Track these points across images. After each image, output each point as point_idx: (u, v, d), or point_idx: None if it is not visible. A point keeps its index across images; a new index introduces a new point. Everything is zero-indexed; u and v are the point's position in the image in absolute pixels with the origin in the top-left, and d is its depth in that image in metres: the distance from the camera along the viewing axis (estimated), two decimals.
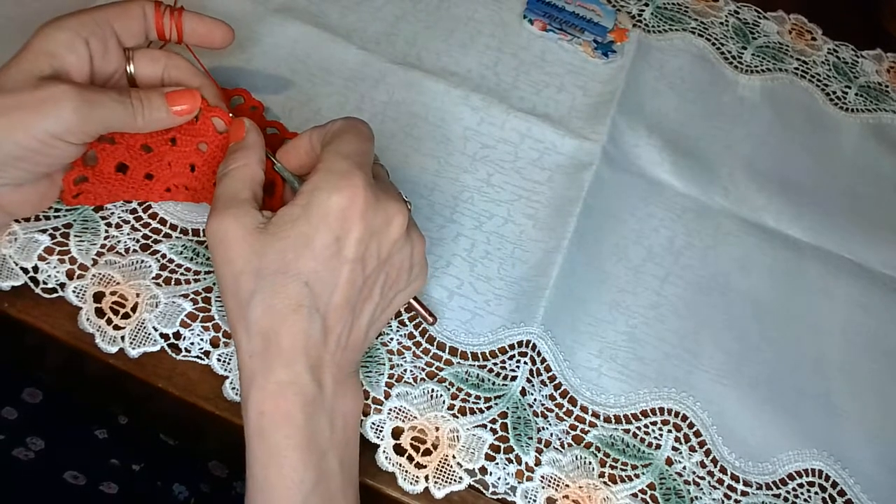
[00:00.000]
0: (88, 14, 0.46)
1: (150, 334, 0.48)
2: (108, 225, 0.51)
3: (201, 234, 0.52)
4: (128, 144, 0.48)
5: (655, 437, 0.51)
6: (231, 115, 0.48)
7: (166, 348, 0.48)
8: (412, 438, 0.48)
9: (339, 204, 0.40)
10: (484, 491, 0.48)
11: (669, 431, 0.51)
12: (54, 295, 0.48)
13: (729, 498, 0.50)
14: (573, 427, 0.50)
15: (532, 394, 0.50)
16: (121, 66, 0.48)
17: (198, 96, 0.47)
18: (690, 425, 0.51)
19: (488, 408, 0.49)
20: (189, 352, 0.48)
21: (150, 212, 0.52)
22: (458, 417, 0.48)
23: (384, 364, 0.49)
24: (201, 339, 0.48)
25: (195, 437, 0.63)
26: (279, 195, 0.48)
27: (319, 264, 0.40)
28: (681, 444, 0.51)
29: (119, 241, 0.50)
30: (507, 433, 0.49)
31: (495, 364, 0.51)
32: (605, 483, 0.48)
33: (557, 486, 0.48)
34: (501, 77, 0.64)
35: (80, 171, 0.48)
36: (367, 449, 0.47)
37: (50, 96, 0.41)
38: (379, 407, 0.48)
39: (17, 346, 0.55)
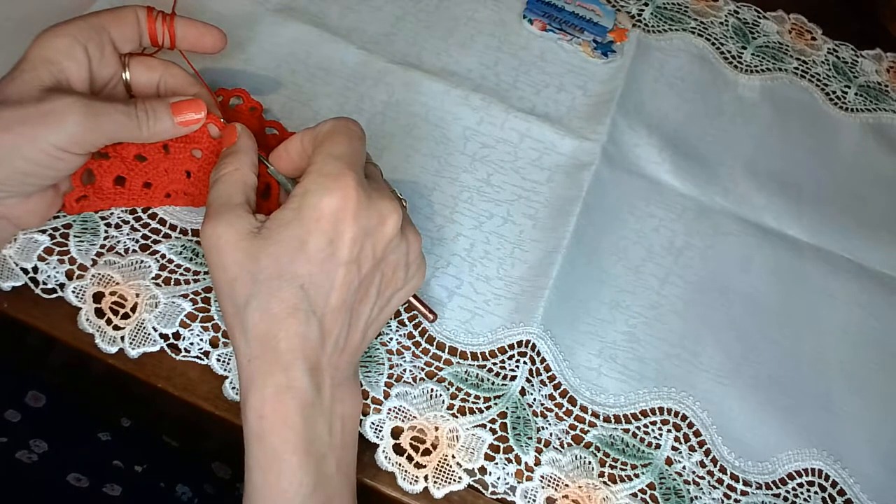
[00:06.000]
0: (85, 20, 0.46)
1: (149, 334, 0.48)
2: (108, 225, 0.51)
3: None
4: (122, 157, 0.48)
5: (655, 437, 0.51)
6: (223, 119, 0.48)
7: (166, 348, 0.48)
8: (412, 438, 0.48)
9: (330, 206, 0.40)
10: (483, 491, 0.48)
11: (669, 431, 0.51)
12: (54, 295, 0.48)
13: (729, 498, 0.50)
14: (573, 427, 0.50)
15: (531, 393, 0.50)
16: (117, 72, 0.48)
17: (203, 106, 0.47)
18: (690, 425, 0.51)
19: (488, 407, 0.49)
20: (189, 352, 0.48)
21: (149, 212, 0.52)
22: (457, 417, 0.48)
23: (384, 364, 0.49)
24: (201, 340, 0.48)
25: (197, 438, 0.63)
26: (275, 198, 0.48)
27: (314, 267, 0.40)
28: (680, 443, 0.51)
29: (118, 242, 0.50)
30: (507, 433, 0.49)
31: (495, 364, 0.51)
32: (604, 483, 0.48)
33: (557, 485, 0.48)
34: (501, 77, 0.64)
35: (81, 191, 0.48)
36: (367, 448, 0.47)
37: (55, 109, 0.42)
38: (378, 406, 0.48)
39: (18, 346, 0.55)
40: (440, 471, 0.47)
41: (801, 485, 0.51)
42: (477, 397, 0.49)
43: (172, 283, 0.50)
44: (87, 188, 0.48)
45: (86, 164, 0.47)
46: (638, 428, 0.51)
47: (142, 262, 0.50)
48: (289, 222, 0.41)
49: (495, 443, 0.48)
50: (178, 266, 0.50)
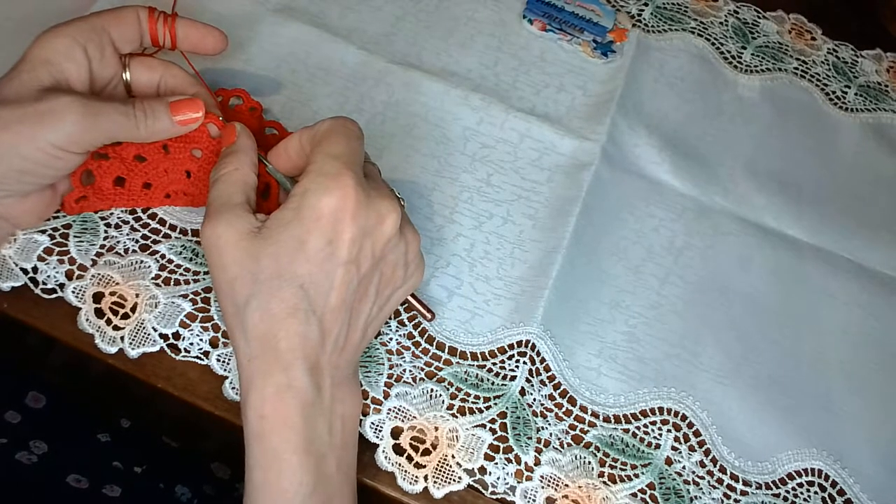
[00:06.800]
0: (85, 21, 0.46)
1: (149, 334, 0.48)
2: (108, 225, 0.51)
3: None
4: (121, 157, 0.48)
5: (655, 437, 0.51)
6: (222, 119, 0.48)
7: (166, 348, 0.48)
8: (411, 438, 0.48)
9: (330, 206, 0.40)
10: (483, 491, 0.48)
11: (669, 431, 0.51)
12: (54, 295, 0.48)
13: (728, 497, 0.50)
14: (572, 427, 0.50)
15: (531, 393, 0.50)
16: (118, 73, 0.48)
17: (201, 105, 0.47)
18: (690, 425, 0.51)
19: (487, 407, 0.49)
20: (188, 352, 0.48)
21: (149, 212, 0.52)
22: (457, 417, 0.48)
23: (383, 364, 0.49)
24: (201, 340, 0.48)
25: (197, 439, 0.63)
26: (275, 198, 0.48)
27: (314, 267, 0.41)
28: (680, 443, 0.51)
29: (118, 242, 0.50)
30: (507, 433, 0.49)
31: (494, 364, 0.51)
32: (604, 483, 0.48)
33: (557, 485, 0.48)
34: (501, 77, 0.64)
35: (80, 192, 0.48)
36: (367, 448, 0.47)
37: (53, 108, 0.42)
38: (378, 407, 0.48)
39: (18, 346, 0.55)
40: (440, 471, 0.47)
41: (801, 485, 0.51)
42: (477, 397, 0.49)
43: (172, 283, 0.50)
44: (87, 189, 0.48)
45: (85, 165, 0.47)
46: (638, 428, 0.51)
47: (142, 262, 0.50)
48: (288, 222, 0.41)
49: (495, 443, 0.48)
50: (178, 266, 0.50)
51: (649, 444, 0.50)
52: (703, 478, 0.50)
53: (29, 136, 0.41)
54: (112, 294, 0.48)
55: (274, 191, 0.48)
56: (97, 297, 0.48)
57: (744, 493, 0.50)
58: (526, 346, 0.51)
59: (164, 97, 0.47)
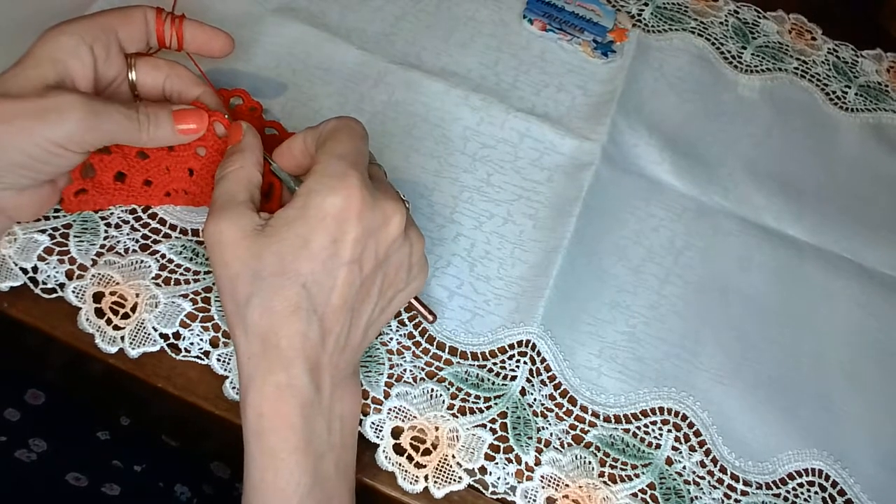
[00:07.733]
0: (92, 20, 0.46)
1: (149, 334, 0.48)
2: (108, 225, 0.51)
3: (201, 234, 0.52)
4: (124, 153, 0.48)
5: (655, 437, 0.51)
6: (228, 118, 0.48)
7: (166, 348, 0.48)
8: (412, 438, 0.48)
9: (335, 205, 0.40)
10: (483, 491, 0.48)
11: (669, 431, 0.51)
12: (54, 295, 0.48)
13: (729, 497, 0.50)
14: (573, 427, 0.50)
15: (532, 393, 0.50)
16: (122, 72, 0.48)
17: (205, 117, 0.47)
18: (690, 425, 0.51)
19: (488, 407, 0.49)
20: (189, 352, 0.48)
21: (149, 212, 0.52)
22: (457, 417, 0.48)
23: (384, 364, 0.49)
24: (201, 339, 0.48)
25: (196, 438, 0.63)
26: (277, 198, 0.48)
27: (317, 266, 0.40)
28: (681, 443, 0.51)
29: (119, 242, 0.50)
30: (507, 433, 0.49)
31: (495, 364, 0.51)
32: (604, 483, 0.48)
33: (557, 485, 0.48)
34: (501, 77, 0.64)
35: (80, 185, 0.48)
36: (367, 448, 0.47)
37: (56, 105, 0.41)
38: (378, 406, 0.48)
39: (19, 346, 0.55)
40: (440, 471, 0.47)
41: (801, 485, 0.51)
42: (477, 397, 0.49)
43: (172, 282, 0.50)
44: (87, 182, 0.48)
45: (87, 158, 0.47)
46: (638, 428, 0.51)
47: (142, 261, 0.50)
48: (293, 221, 0.41)
49: (495, 443, 0.48)
50: (179, 266, 0.50)
51: (650, 444, 0.50)
52: (703, 478, 0.50)
53: (29, 132, 0.41)
54: (112, 294, 0.48)
55: (277, 191, 0.48)
56: (97, 297, 0.48)
57: (744, 493, 0.50)
58: (526, 346, 0.51)
59: (167, 105, 0.47)
